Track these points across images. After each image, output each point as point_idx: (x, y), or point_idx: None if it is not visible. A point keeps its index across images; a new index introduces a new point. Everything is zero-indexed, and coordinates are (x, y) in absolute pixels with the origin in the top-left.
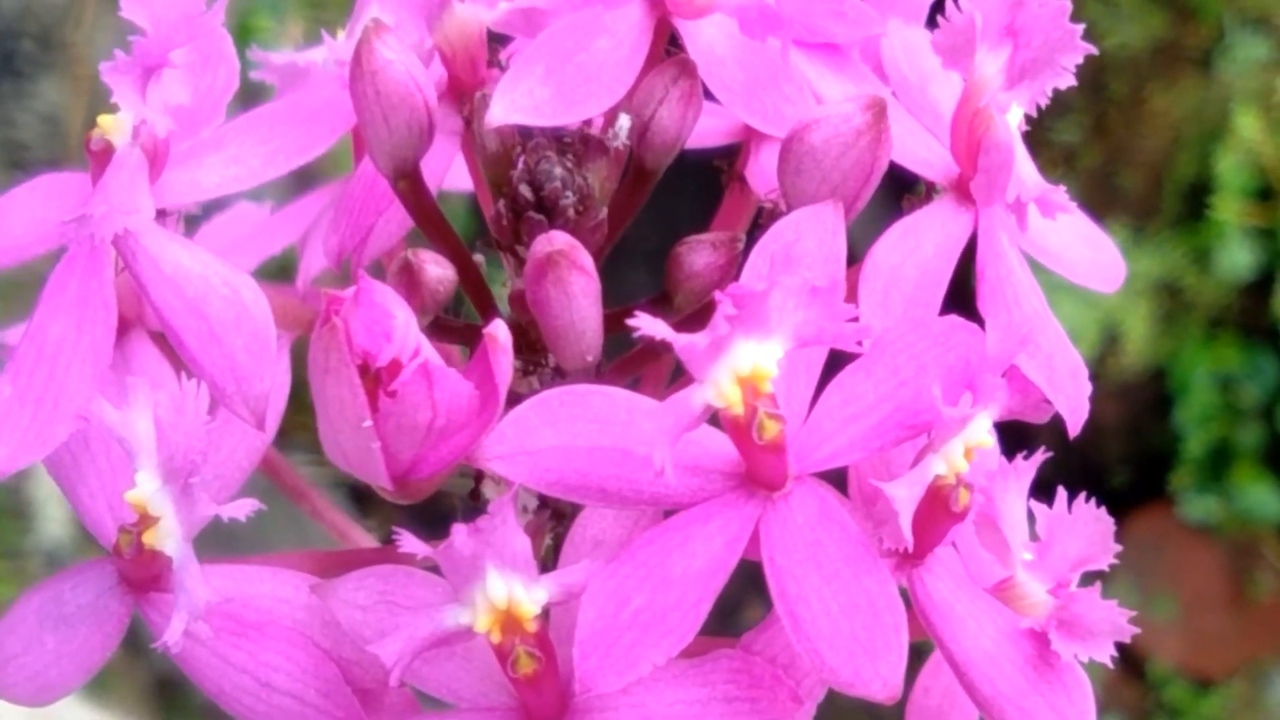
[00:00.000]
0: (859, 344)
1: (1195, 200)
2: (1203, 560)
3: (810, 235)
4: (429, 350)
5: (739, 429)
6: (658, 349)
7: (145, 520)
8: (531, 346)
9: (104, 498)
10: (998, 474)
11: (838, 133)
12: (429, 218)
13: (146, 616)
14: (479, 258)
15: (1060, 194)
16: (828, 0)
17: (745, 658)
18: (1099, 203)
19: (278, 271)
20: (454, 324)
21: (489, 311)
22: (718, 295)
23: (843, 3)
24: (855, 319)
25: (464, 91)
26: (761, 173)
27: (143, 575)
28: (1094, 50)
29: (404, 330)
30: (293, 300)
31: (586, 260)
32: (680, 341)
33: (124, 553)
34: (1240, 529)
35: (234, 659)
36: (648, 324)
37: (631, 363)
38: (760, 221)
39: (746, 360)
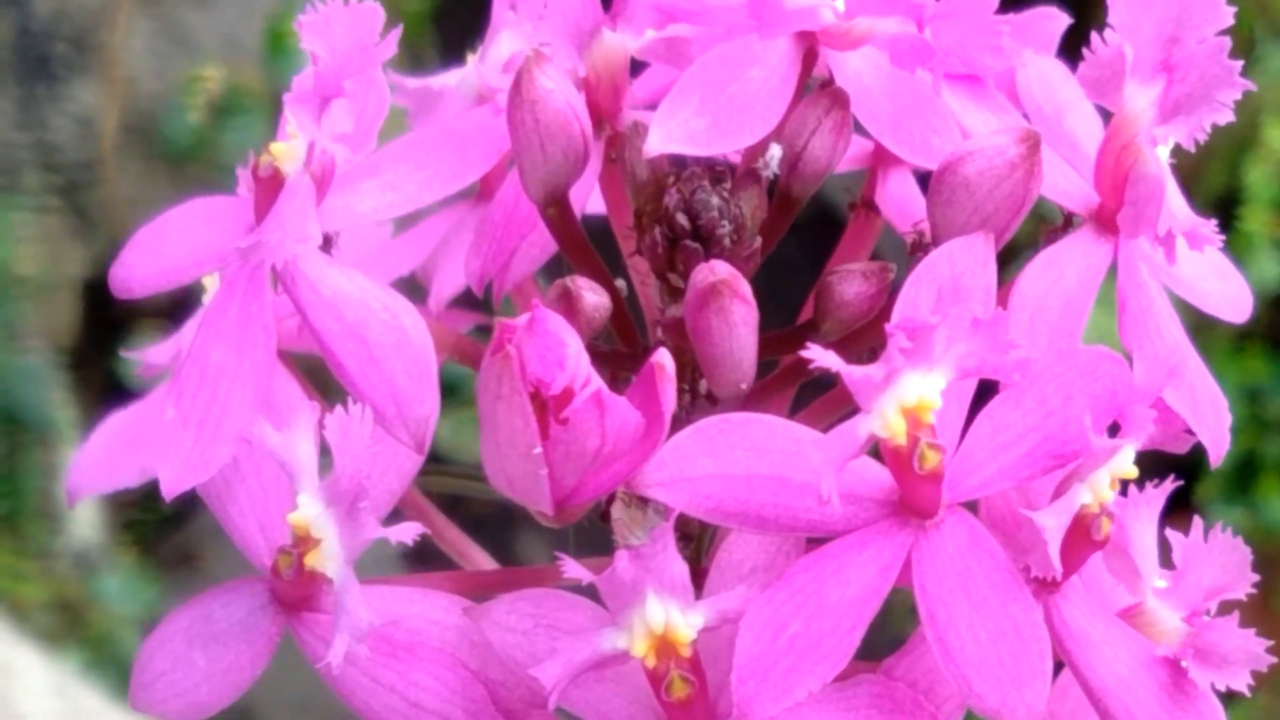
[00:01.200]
0: (1018, 377)
1: (1224, 211)
2: None
3: (963, 266)
4: (598, 379)
5: (900, 458)
6: (796, 376)
7: (307, 542)
8: (681, 371)
9: (254, 516)
10: (1128, 501)
11: (991, 165)
12: (576, 243)
13: (298, 635)
14: (621, 282)
15: (1209, 227)
16: (984, 33)
17: (888, 683)
18: None
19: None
20: (602, 349)
21: (633, 337)
22: (890, 328)
23: (999, 35)
24: (1016, 351)
25: (603, 117)
26: (891, 199)
27: (297, 595)
28: (1253, 86)
29: (576, 358)
30: (435, 323)
31: (747, 290)
32: (855, 375)
33: (283, 574)
34: (1266, 540)
35: (384, 679)
36: (820, 355)
37: (770, 387)
38: (909, 253)
39: (912, 392)
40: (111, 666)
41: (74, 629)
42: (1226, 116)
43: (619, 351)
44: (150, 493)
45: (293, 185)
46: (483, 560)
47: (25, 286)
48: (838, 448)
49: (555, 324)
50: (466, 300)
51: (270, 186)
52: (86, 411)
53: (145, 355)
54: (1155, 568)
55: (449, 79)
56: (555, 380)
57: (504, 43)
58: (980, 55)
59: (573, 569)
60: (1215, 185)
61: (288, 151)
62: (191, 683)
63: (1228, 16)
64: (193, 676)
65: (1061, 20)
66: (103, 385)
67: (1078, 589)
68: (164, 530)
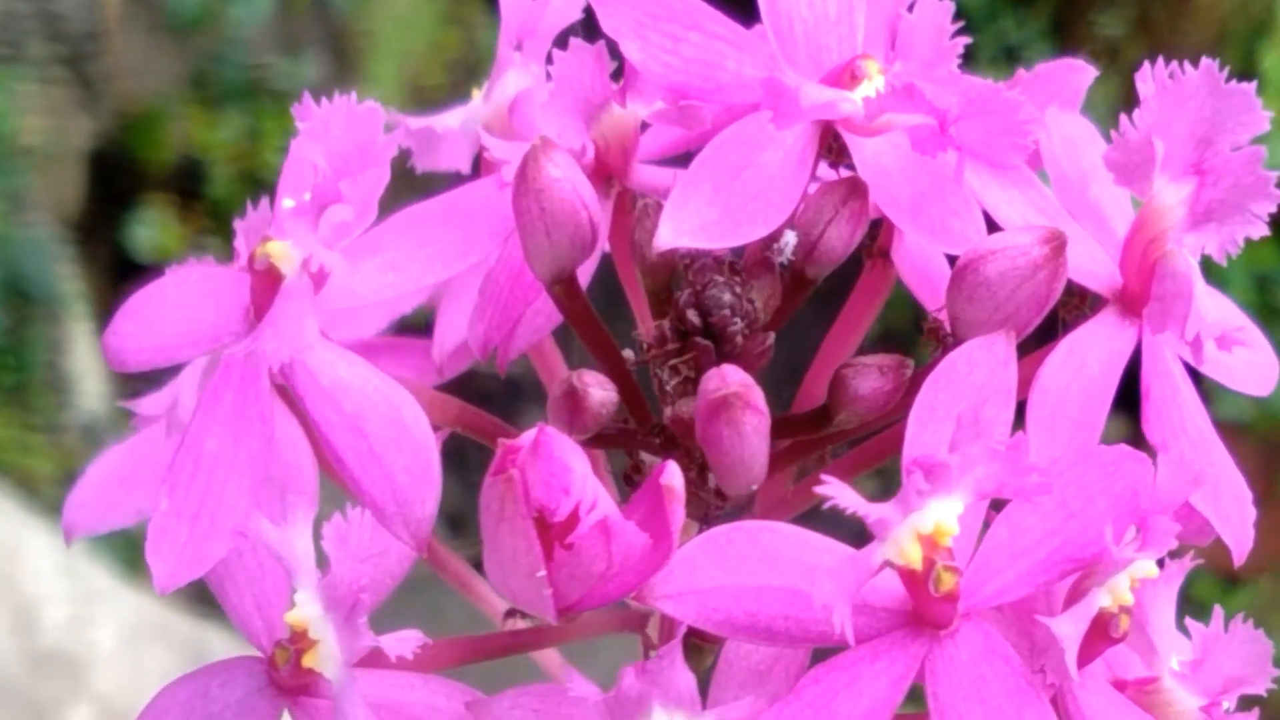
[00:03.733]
0: (1038, 497)
1: None
2: (1233, 458)
3: (982, 367)
4: (606, 502)
5: (916, 581)
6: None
7: (304, 641)
8: (690, 459)
9: (251, 596)
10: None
11: (1014, 266)
12: (584, 322)
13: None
14: (629, 353)
15: (1241, 329)
16: (1011, 133)
17: None
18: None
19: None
20: (610, 431)
21: (644, 412)
22: (908, 465)
23: (1026, 135)
24: (1036, 473)
25: (613, 175)
26: (907, 254)
27: (295, 685)
28: None
29: (582, 483)
30: (436, 395)
31: (759, 399)
32: (873, 516)
33: (280, 669)
34: (1272, 427)
35: None
36: (838, 493)
37: (781, 460)
38: (924, 338)
39: (929, 520)
40: (121, 544)
41: None
42: (1260, 230)
43: (628, 430)
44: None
45: (290, 289)
46: (486, 591)
47: (30, 158)
48: (850, 576)
49: (561, 447)
50: None
51: (266, 281)
52: (93, 284)
53: (139, 407)
54: (1173, 646)
55: (451, 119)
56: (560, 507)
57: (509, 82)
58: (1006, 154)
59: (579, 687)
60: (1231, 70)
61: (284, 253)
62: None
63: (1263, 122)
64: None
65: (1087, 73)
66: (109, 258)
67: (1094, 676)
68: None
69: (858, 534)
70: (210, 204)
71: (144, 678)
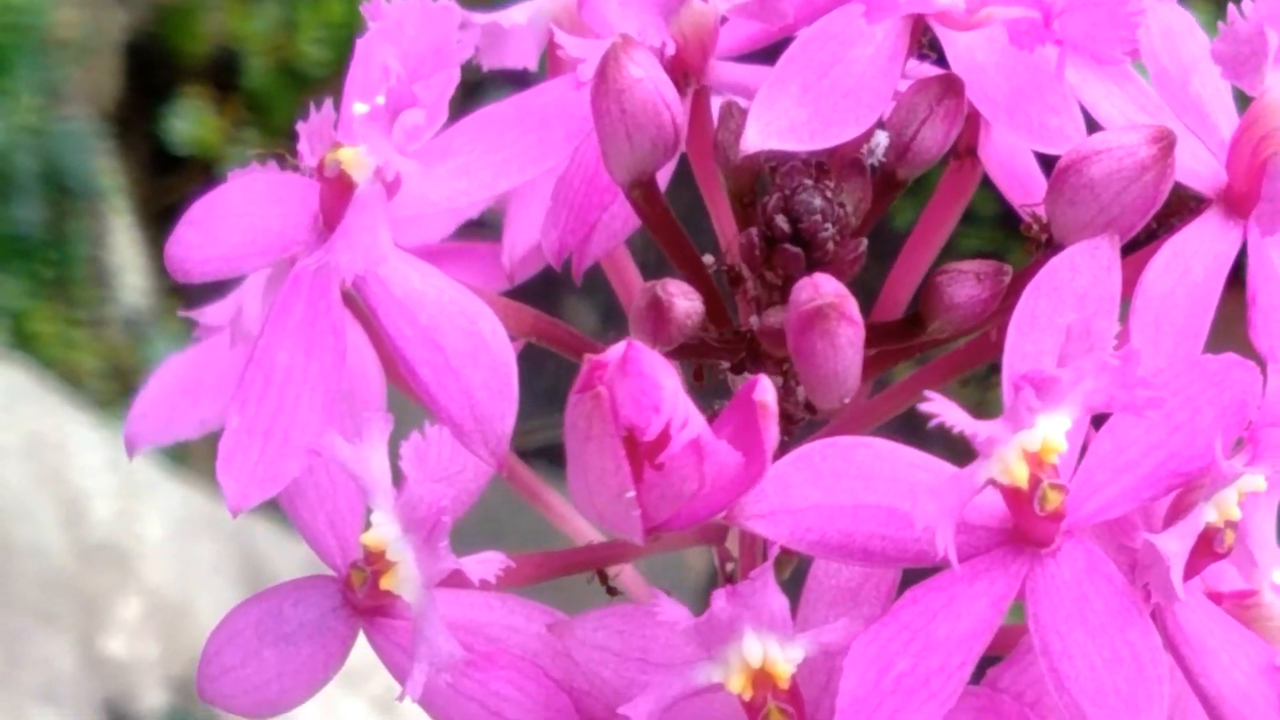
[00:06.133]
0: (1149, 410)
1: None
2: None
3: (1086, 274)
4: (697, 420)
5: (1020, 500)
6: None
7: (382, 563)
8: (777, 370)
9: (324, 514)
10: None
11: (1121, 167)
12: (664, 227)
13: (374, 641)
14: (709, 258)
15: None
16: (1117, 25)
17: (992, 695)
18: None
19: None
20: (692, 342)
21: (726, 321)
22: (1016, 381)
23: (1134, 28)
24: (1147, 386)
25: (690, 73)
26: (994, 151)
27: (372, 605)
28: None
29: (672, 400)
30: (511, 304)
31: (854, 310)
32: (982, 434)
33: (357, 590)
34: None
35: (464, 688)
36: (944, 410)
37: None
38: (1027, 245)
39: (1036, 437)
40: None
41: (126, 395)
42: None
43: (708, 344)
44: None
45: (361, 198)
46: (556, 502)
47: (67, 51)
48: (953, 495)
49: (650, 363)
50: None
51: (337, 189)
52: (132, 177)
53: (203, 316)
54: (1275, 559)
55: (519, 14)
56: (651, 425)
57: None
58: (1111, 49)
59: (669, 610)
60: None
61: (357, 160)
62: (261, 680)
63: None
64: (263, 674)
65: None
66: (147, 150)
67: (1194, 593)
68: (212, 293)
69: (944, 444)
70: (247, 95)
71: (192, 569)
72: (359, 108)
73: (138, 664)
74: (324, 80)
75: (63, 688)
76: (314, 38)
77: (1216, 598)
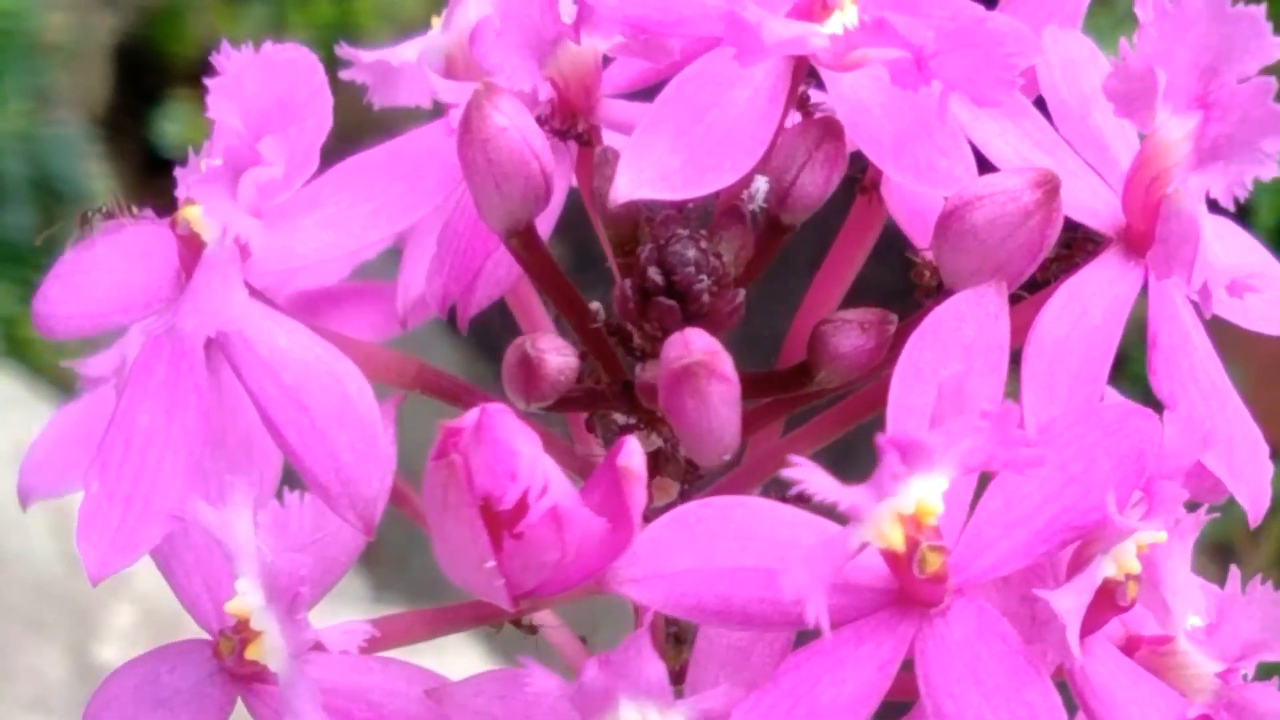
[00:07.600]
0: (1030, 470)
1: None
2: None
3: (971, 323)
4: (559, 486)
5: (899, 562)
6: (785, 409)
7: (248, 632)
8: (664, 424)
9: (200, 577)
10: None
11: (1004, 212)
12: (545, 276)
13: (250, 707)
14: (597, 305)
15: (1257, 275)
16: (995, 67)
17: None
18: None
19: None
20: (577, 394)
21: (616, 368)
22: (883, 444)
23: (1012, 70)
24: (1027, 444)
25: (576, 113)
26: (896, 189)
27: (244, 673)
28: None
29: (530, 467)
30: (391, 355)
31: (727, 365)
32: (845, 501)
33: (225, 658)
34: None
35: None
36: (808, 477)
37: (757, 418)
38: (915, 283)
39: (909, 500)
40: None
41: None
42: (1271, 170)
43: (597, 392)
44: None
45: (210, 259)
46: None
47: (56, 55)
48: (825, 562)
49: (506, 429)
50: None
51: (191, 247)
52: (123, 181)
53: (85, 368)
54: (1189, 605)
55: (408, 51)
56: (507, 494)
57: (470, 7)
58: (990, 92)
59: (539, 680)
60: None
61: (200, 219)
62: None
63: (1274, 49)
64: None
65: None
66: (139, 154)
67: (1101, 642)
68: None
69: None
70: None
71: None
72: (205, 165)
73: None
74: None
75: (54, 697)
76: (303, 39)
77: (1136, 641)
